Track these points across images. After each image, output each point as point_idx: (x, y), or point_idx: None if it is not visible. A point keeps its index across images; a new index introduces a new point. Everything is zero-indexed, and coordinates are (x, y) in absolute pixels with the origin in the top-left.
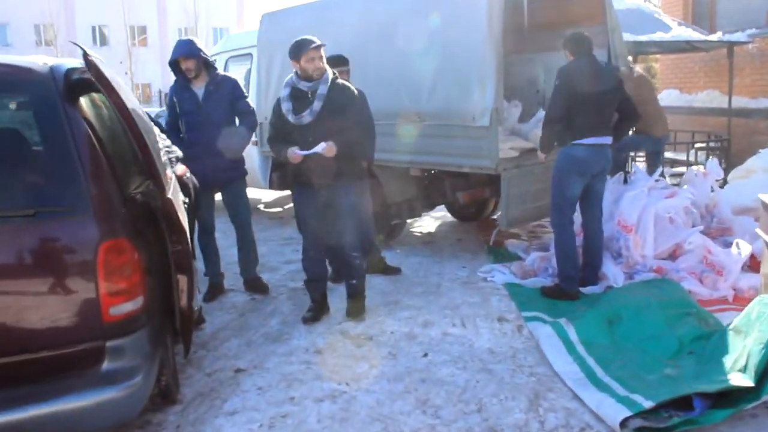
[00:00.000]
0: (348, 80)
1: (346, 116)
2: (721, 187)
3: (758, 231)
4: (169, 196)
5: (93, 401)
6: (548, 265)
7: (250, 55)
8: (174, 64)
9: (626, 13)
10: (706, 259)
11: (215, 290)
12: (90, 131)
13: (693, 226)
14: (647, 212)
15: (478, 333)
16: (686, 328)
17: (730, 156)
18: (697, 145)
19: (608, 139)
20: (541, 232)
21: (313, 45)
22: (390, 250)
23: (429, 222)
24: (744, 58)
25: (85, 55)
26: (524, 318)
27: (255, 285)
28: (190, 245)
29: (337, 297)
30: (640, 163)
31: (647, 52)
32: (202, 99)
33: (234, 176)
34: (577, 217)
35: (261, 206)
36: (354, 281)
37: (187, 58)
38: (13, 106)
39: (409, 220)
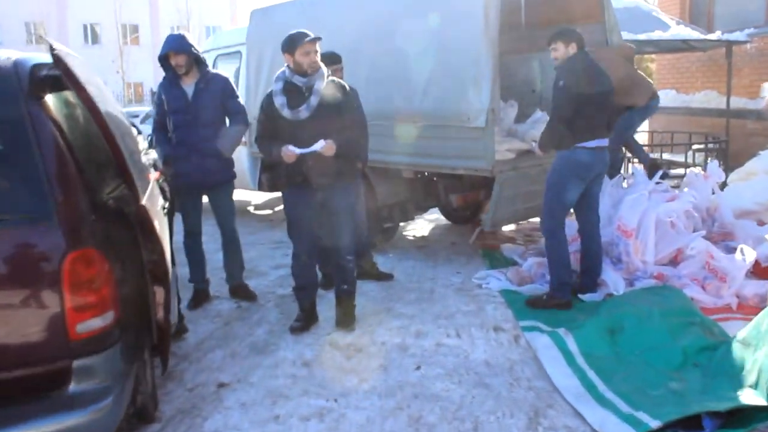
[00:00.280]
0: (341, 78)
1: (342, 114)
2: (721, 189)
3: None
4: (144, 201)
5: (58, 427)
6: (545, 272)
7: (240, 53)
8: (164, 60)
9: (624, 12)
10: (708, 265)
11: (200, 297)
12: (57, 132)
13: (694, 231)
14: (648, 216)
15: (474, 343)
16: (690, 339)
17: (729, 158)
18: (694, 147)
19: (606, 141)
20: (537, 236)
21: (309, 38)
22: (382, 254)
23: (422, 225)
24: (742, 58)
25: (52, 50)
26: (521, 327)
27: (241, 292)
28: (166, 254)
29: (326, 305)
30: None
31: (644, 52)
32: (192, 97)
33: (223, 179)
34: (572, 223)
35: (251, 208)
36: (346, 286)
37: (177, 53)
38: None
39: (401, 224)
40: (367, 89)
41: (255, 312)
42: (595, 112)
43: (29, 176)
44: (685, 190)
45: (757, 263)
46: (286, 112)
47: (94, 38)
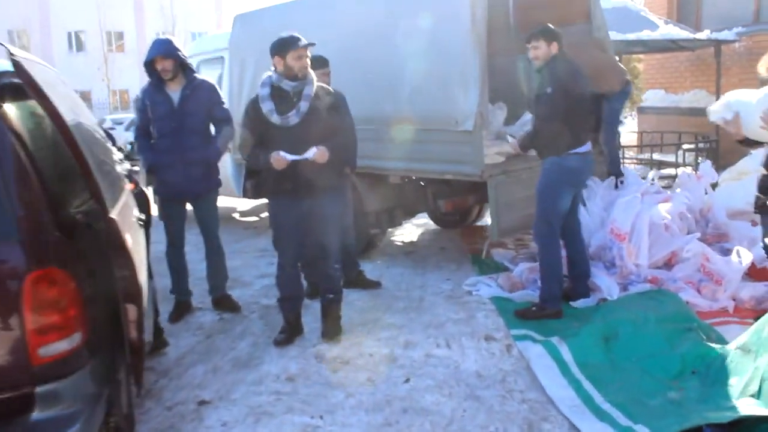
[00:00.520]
0: (328, 82)
1: (332, 119)
2: (712, 189)
3: None
4: (114, 215)
5: None
6: (537, 277)
7: (222, 58)
8: (149, 65)
9: (612, 12)
10: (704, 267)
11: (182, 309)
12: (18, 143)
13: (688, 233)
14: (641, 219)
15: (464, 354)
16: (688, 345)
17: (719, 157)
18: (684, 146)
19: (591, 145)
20: (528, 240)
21: (303, 43)
22: (370, 261)
23: (411, 230)
24: (731, 57)
25: (12, 56)
26: (513, 336)
27: (224, 303)
28: (138, 269)
29: (312, 315)
30: (629, 164)
31: (632, 52)
32: (178, 104)
33: (208, 187)
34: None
35: (236, 215)
36: (332, 296)
37: (165, 57)
38: None
39: (389, 230)
40: (353, 93)
41: (238, 324)
42: (584, 116)
43: None
44: (678, 190)
45: (752, 265)
46: (275, 118)
47: (79, 46)
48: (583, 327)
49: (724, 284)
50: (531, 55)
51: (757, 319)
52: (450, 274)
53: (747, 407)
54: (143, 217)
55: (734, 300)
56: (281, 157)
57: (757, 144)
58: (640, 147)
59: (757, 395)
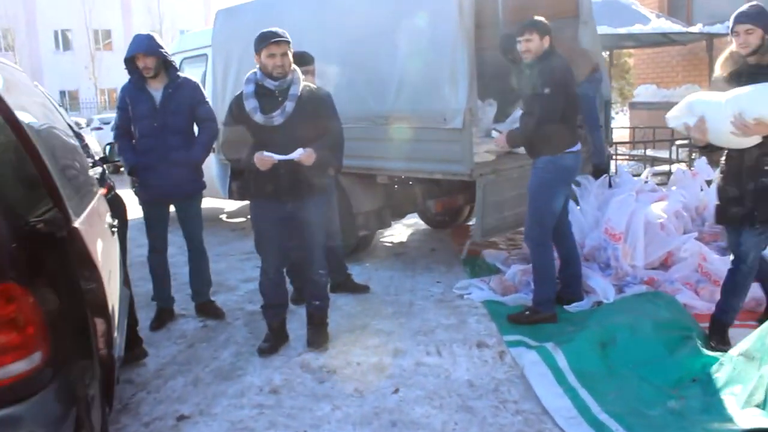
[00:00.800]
0: (313, 80)
1: (318, 121)
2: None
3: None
4: (78, 224)
5: None
6: (530, 279)
7: (206, 55)
8: (130, 62)
9: (602, 6)
10: (701, 267)
11: (164, 316)
12: None
13: (684, 232)
14: (636, 218)
15: (456, 362)
16: (687, 352)
17: (713, 153)
18: (678, 142)
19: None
20: (520, 240)
21: (274, 39)
22: (358, 263)
23: (400, 230)
24: (724, 51)
25: None
26: (506, 342)
27: (208, 310)
28: (106, 281)
29: (297, 321)
30: (622, 161)
31: (623, 46)
32: (160, 103)
33: (192, 190)
34: None
35: (223, 216)
36: (318, 302)
37: (146, 54)
38: None
39: (378, 231)
40: (338, 90)
41: (222, 332)
42: (575, 114)
43: None
44: (673, 188)
45: None
46: (258, 117)
47: (66, 44)
48: (579, 332)
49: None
50: (522, 49)
51: (759, 321)
52: (440, 276)
53: (752, 418)
54: (116, 223)
55: None
56: (266, 157)
57: (718, 152)
58: (633, 143)
59: (763, 405)
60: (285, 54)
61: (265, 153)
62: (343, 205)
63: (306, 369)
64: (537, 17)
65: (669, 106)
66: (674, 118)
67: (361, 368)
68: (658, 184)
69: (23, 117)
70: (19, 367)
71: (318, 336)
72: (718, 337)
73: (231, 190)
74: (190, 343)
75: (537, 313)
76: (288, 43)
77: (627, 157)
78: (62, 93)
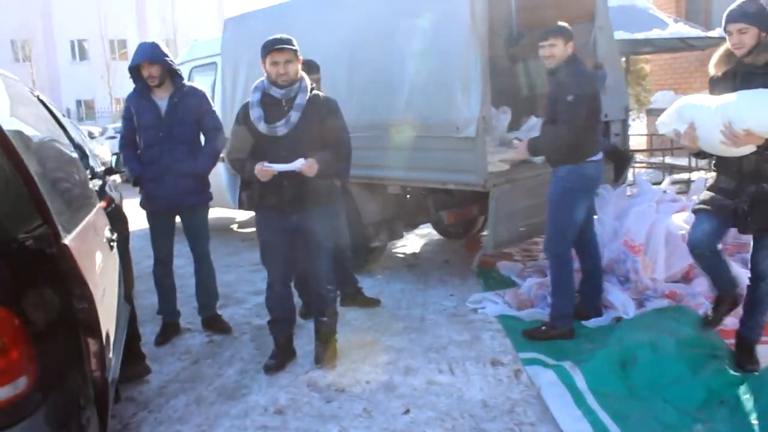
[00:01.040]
0: (319, 88)
1: (326, 130)
2: None
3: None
4: (69, 240)
5: None
6: (547, 293)
7: (215, 64)
8: (135, 70)
9: (619, 10)
10: None
11: (169, 331)
12: None
13: None
14: (657, 230)
15: (469, 381)
16: (713, 371)
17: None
18: None
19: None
20: (536, 251)
21: (276, 46)
22: (369, 276)
23: (413, 241)
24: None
25: None
26: (522, 360)
27: (214, 324)
28: (100, 299)
29: (306, 337)
30: (640, 168)
31: (640, 52)
32: (165, 112)
33: (198, 201)
34: None
35: (234, 226)
36: (325, 318)
37: (151, 63)
38: None
39: (390, 242)
40: (348, 98)
41: (228, 347)
42: (597, 121)
43: None
44: (694, 197)
45: None
46: (262, 127)
47: (82, 54)
48: (598, 350)
49: None
50: (545, 54)
51: None
52: (454, 289)
53: None
54: (115, 237)
55: None
56: (266, 168)
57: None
58: (651, 150)
59: None
60: (289, 61)
61: (266, 164)
62: (352, 216)
63: (313, 388)
64: (561, 23)
65: None
66: (664, 124)
67: (370, 387)
68: (677, 193)
69: (14, 127)
70: (4, 393)
71: (326, 353)
72: (746, 355)
73: (241, 200)
74: (195, 359)
75: (554, 328)
76: (293, 50)
77: (645, 164)
78: (78, 102)
